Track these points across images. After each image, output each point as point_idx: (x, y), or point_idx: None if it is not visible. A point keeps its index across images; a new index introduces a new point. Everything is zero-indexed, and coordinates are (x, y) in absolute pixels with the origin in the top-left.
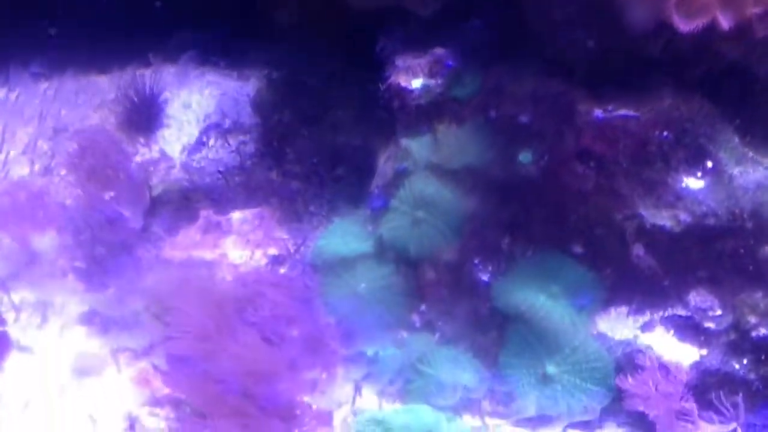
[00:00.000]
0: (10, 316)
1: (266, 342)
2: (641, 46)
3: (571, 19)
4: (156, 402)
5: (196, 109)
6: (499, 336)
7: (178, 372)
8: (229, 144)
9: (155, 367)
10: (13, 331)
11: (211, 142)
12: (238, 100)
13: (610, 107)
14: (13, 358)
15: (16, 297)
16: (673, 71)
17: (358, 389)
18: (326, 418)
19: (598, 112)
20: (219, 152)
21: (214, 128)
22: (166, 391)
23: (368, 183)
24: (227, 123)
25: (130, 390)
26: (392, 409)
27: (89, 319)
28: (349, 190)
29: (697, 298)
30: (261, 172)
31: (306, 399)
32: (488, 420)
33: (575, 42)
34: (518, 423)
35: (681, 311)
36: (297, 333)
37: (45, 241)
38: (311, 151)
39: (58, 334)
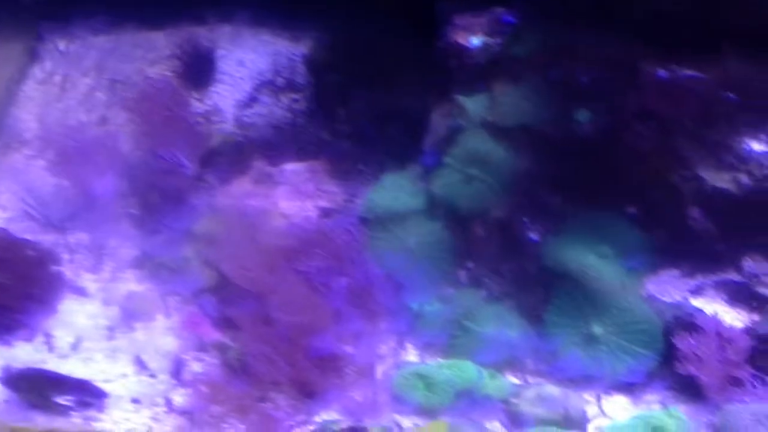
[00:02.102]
0: (65, 257)
1: (314, 291)
2: (711, 9)
3: None
4: (203, 347)
5: (249, 66)
6: (546, 295)
7: (227, 317)
8: (281, 101)
9: (204, 312)
10: (68, 272)
11: (264, 98)
12: (291, 59)
13: (674, 67)
14: (66, 298)
15: (72, 239)
16: (741, 35)
17: (401, 343)
18: (368, 370)
19: (661, 72)
20: (271, 109)
21: (267, 85)
22: (214, 335)
23: (420, 142)
24: (280, 81)
25: (178, 334)
26: (435, 363)
27: (141, 263)
28: (401, 149)
29: (751, 263)
30: (312, 130)
31: (349, 350)
32: (530, 378)
33: (642, 3)
34: (561, 382)
35: (734, 276)
36: (344, 284)
37: (102, 186)
38: (363, 111)
39: (111, 277)
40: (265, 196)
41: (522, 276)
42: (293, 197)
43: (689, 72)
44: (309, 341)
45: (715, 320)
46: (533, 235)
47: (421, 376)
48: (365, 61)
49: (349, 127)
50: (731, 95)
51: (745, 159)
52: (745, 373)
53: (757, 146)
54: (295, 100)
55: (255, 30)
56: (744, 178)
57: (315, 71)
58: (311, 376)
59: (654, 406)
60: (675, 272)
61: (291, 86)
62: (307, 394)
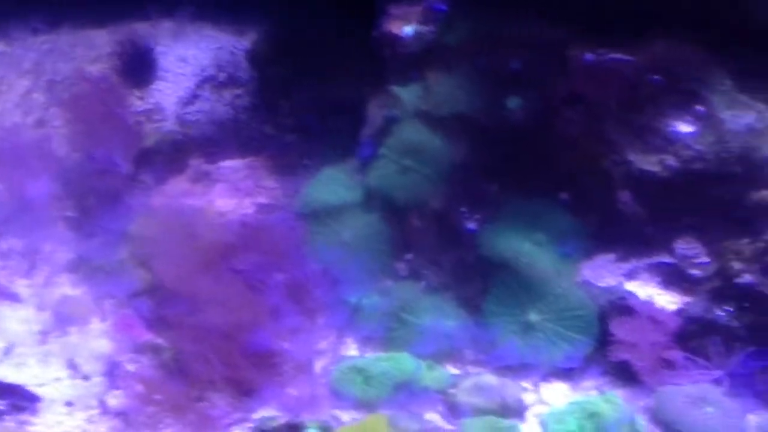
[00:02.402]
0: None
1: (250, 289)
2: None
3: None
4: (138, 348)
5: (192, 62)
6: (484, 284)
7: (162, 318)
8: (223, 97)
9: (139, 314)
10: (0, 278)
11: (206, 95)
12: (234, 54)
13: (602, 51)
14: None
15: (4, 244)
16: (668, 17)
17: (341, 337)
18: (306, 366)
19: (589, 56)
20: (213, 105)
21: (209, 81)
22: (149, 337)
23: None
24: (222, 76)
25: (113, 336)
26: (373, 357)
27: (76, 266)
28: (344, 141)
29: (683, 245)
30: (255, 125)
31: (286, 346)
32: (470, 368)
33: None
34: (499, 371)
35: (667, 258)
36: (281, 281)
37: (37, 189)
38: (307, 104)
39: (45, 282)
40: (201, 195)
41: (460, 266)
42: (231, 195)
43: (616, 55)
44: (245, 339)
45: (647, 304)
46: (471, 225)
47: (359, 370)
48: (308, 53)
49: (293, 120)
50: (657, 78)
51: (672, 141)
52: (677, 355)
53: (683, 128)
54: (238, 96)
55: (198, 25)
56: (671, 160)
57: (258, 65)
58: (248, 373)
59: (592, 391)
60: (610, 256)
61: (234, 81)
62: (245, 391)
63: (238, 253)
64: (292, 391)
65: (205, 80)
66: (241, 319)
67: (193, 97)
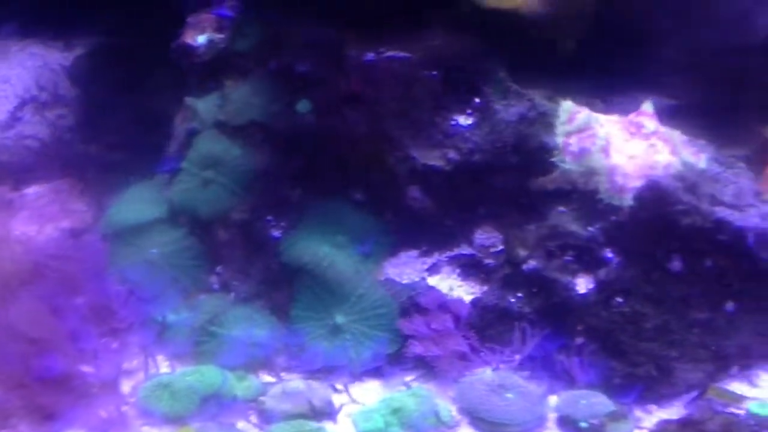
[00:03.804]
0: None
1: (49, 314)
2: None
3: None
4: None
5: (14, 83)
6: (292, 291)
7: None
8: (45, 118)
9: None
10: None
11: (27, 117)
12: (59, 72)
13: (381, 50)
14: None
15: None
16: (444, 11)
17: (150, 355)
18: (112, 386)
19: (369, 56)
20: (35, 127)
21: (31, 102)
22: None
23: None
24: (45, 96)
25: None
26: (179, 372)
27: None
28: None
29: (482, 235)
30: (79, 145)
31: (88, 369)
32: (284, 375)
33: None
34: (312, 375)
35: (467, 250)
36: (82, 304)
37: None
38: (131, 119)
39: None
40: (1, 225)
41: (269, 275)
42: (33, 222)
43: (393, 53)
44: (42, 364)
45: (444, 297)
46: (276, 233)
47: (165, 386)
48: (131, 67)
49: (119, 138)
50: (435, 73)
51: (451, 134)
52: (475, 344)
53: (462, 121)
54: (62, 116)
55: (23, 43)
56: (452, 154)
57: (81, 82)
58: (47, 398)
59: (401, 387)
60: (413, 252)
61: (58, 100)
62: (47, 416)
63: (37, 281)
64: (100, 412)
65: (27, 101)
66: (38, 344)
67: (13, 121)
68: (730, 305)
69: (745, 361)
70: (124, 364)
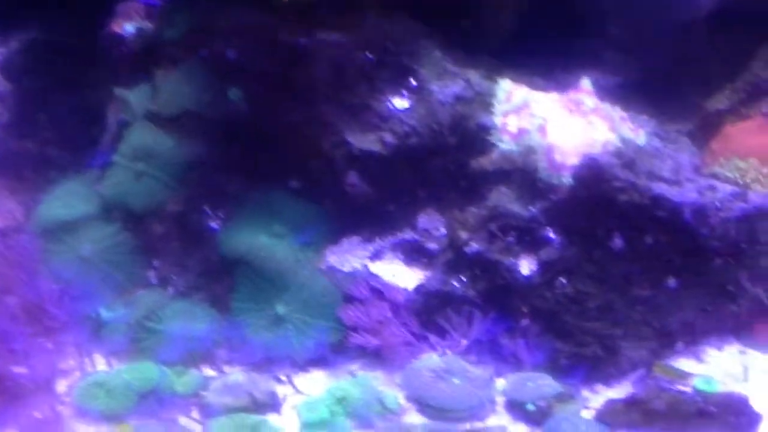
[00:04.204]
0: None
1: None
2: None
3: None
4: None
5: None
6: (232, 283)
7: None
8: None
9: None
10: None
11: None
12: None
13: (314, 33)
14: None
15: None
16: None
17: (86, 353)
18: (45, 386)
19: (301, 40)
20: None
21: None
22: None
23: None
24: None
25: None
26: (115, 370)
27: None
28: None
29: (425, 219)
30: (12, 141)
31: (19, 370)
32: (226, 368)
33: None
34: (255, 367)
35: (409, 235)
36: (14, 302)
37: None
38: (68, 115)
39: None
40: None
41: (208, 267)
42: None
43: (327, 36)
44: None
45: (383, 284)
46: (213, 224)
47: (100, 384)
48: (67, 62)
49: (54, 133)
50: (369, 55)
51: (386, 118)
52: (417, 331)
53: (399, 103)
54: None
55: None
56: (388, 137)
57: (14, 77)
58: None
59: (346, 376)
60: (355, 239)
61: None
62: None
63: None
64: (34, 413)
65: None
66: None
67: None
68: (671, 281)
69: (690, 337)
70: (59, 363)
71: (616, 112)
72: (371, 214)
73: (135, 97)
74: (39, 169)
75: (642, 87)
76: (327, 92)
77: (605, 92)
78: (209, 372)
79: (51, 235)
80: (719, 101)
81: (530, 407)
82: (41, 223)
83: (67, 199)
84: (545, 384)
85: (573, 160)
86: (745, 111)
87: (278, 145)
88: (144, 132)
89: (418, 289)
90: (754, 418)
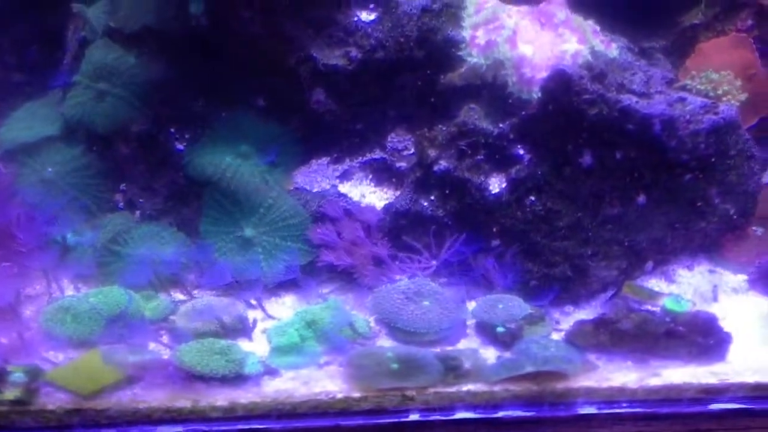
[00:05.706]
0: None
1: None
2: None
3: None
4: None
5: None
6: (200, 205)
7: None
8: None
9: None
10: None
11: None
12: None
13: None
14: None
15: None
16: None
17: (53, 278)
18: (10, 312)
19: None
20: None
21: None
22: None
23: None
24: None
25: None
26: (81, 294)
27: None
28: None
29: (395, 138)
30: None
31: None
32: (195, 292)
33: None
34: (224, 291)
35: (379, 154)
36: None
37: None
38: (30, 38)
39: None
40: None
41: (176, 190)
42: None
43: None
44: None
45: (353, 204)
46: (179, 145)
47: (66, 309)
48: None
49: (16, 58)
50: None
51: (352, 31)
52: (389, 251)
53: (365, 16)
54: None
55: None
56: (354, 52)
57: None
58: None
59: (317, 300)
60: (324, 160)
61: None
62: None
63: None
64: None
65: None
66: None
67: None
68: (641, 198)
69: (660, 256)
70: (26, 289)
71: (589, 25)
72: (339, 133)
73: (94, 13)
74: (2, 95)
75: (618, 1)
76: (290, 5)
77: (578, 6)
78: (178, 296)
79: (13, 157)
80: (694, 16)
81: (500, 329)
82: (3, 146)
83: (30, 121)
84: (515, 306)
85: (543, 74)
86: (720, 26)
87: (242, 62)
88: (104, 50)
89: (387, 208)
90: (723, 338)
